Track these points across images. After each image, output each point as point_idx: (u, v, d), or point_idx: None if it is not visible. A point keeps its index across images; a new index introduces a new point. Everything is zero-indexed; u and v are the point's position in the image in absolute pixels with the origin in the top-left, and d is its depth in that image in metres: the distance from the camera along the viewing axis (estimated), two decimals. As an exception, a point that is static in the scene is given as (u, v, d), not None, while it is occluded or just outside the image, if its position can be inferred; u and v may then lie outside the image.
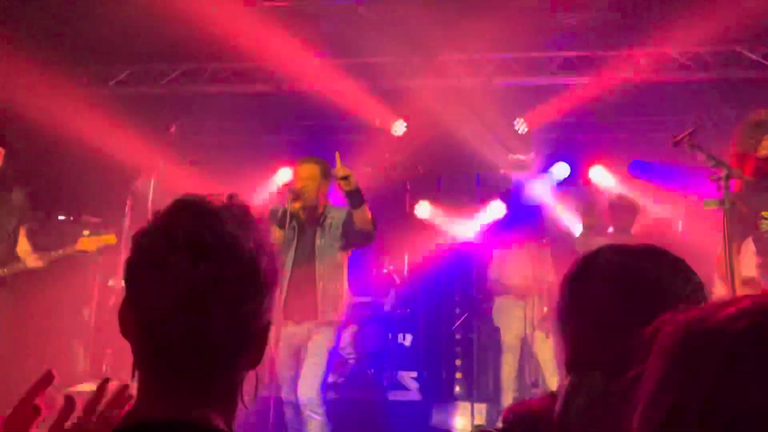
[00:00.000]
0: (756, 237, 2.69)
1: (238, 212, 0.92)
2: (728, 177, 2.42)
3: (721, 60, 5.33)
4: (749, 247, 2.71)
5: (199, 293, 0.85)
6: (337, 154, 3.50)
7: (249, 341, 0.91)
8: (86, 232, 4.67)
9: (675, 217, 5.98)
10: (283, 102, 6.30)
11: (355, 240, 3.72)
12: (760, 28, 4.91)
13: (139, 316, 0.89)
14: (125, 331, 0.91)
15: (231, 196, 0.95)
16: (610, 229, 5.14)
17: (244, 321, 0.89)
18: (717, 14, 4.59)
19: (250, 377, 0.97)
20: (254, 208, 0.96)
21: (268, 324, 0.94)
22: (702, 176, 2.58)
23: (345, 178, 3.45)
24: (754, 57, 5.25)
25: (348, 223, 3.67)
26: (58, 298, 5.45)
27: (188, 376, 0.88)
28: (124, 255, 5.28)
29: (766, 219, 2.65)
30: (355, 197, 3.50)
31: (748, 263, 2.69)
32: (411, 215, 6.71)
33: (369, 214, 3.57)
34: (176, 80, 6.29)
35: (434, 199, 6.69)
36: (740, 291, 2.58)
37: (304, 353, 3.64)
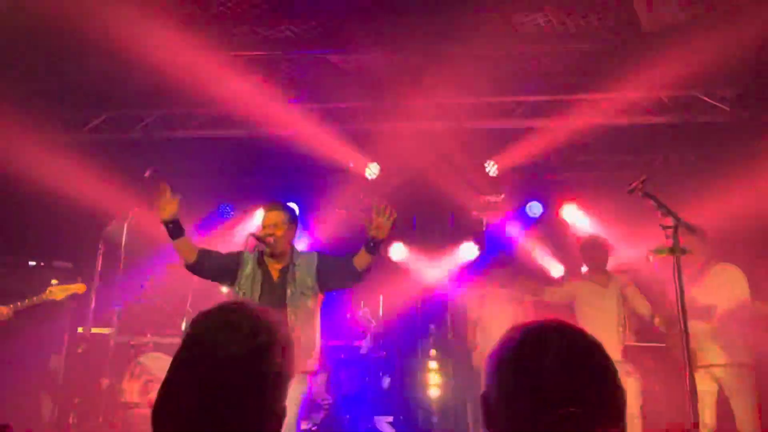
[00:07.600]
0: None
1: None
2: (677, 227, 2.47)
3: (680, 104, 5.52)
4: None
5: None
6: (376, 206, 3.44)
7: None
8: (55, 281, 4.61)
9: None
10: (258, 146, 6.35)
11: (339, 281, 3.62)
12: (716, 74, 5.11)
13: None
14: None
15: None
16: (584, 269, 5.16)
17: None
18: (675, 61, 4.78)
19: None
20: None
21: None
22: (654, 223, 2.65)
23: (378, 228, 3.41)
24: (710, 101, 5.45)
25: (325, 266, 3.61)
26: (26, 346, 5.33)
27: None
28: (95, 301, 5.26)
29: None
30: (378, 246, 3.48)
31: None
32: (385, 258, 6.71)
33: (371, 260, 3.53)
34: (151, 125, 6.34)
35: (408, 242, 6.71)
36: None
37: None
